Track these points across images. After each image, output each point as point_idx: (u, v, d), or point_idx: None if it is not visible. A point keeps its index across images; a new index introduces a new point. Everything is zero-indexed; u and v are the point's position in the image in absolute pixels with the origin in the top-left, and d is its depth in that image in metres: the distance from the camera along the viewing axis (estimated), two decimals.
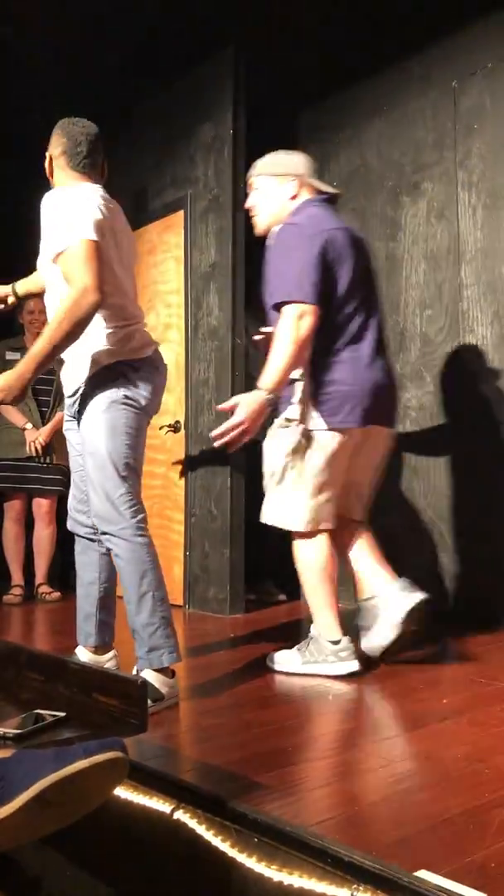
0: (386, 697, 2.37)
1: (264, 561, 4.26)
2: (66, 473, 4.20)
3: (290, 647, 2.67)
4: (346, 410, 2.59)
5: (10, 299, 2.71)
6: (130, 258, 2.48)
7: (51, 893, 1.89)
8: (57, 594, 4.25)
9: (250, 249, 3.92)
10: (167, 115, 4.33)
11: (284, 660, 2.65)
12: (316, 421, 2.60)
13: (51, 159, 2.49)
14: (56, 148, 2.47)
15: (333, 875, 1.30)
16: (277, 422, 2.65)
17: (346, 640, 2.59)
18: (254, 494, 4.03)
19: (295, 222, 2.61)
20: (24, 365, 2.17)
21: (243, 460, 3.86)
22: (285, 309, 2.50)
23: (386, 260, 3.93)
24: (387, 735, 1.96)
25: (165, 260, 4.22)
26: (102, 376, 2.34)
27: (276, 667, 2.64)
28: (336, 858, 1.29)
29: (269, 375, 2.47)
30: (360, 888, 1.25)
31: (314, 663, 2.57)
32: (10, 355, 4.19)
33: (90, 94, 4.67)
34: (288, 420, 2.62)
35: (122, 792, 1.66)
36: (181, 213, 4.13)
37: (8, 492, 4.26)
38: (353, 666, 2.54)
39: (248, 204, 2.84)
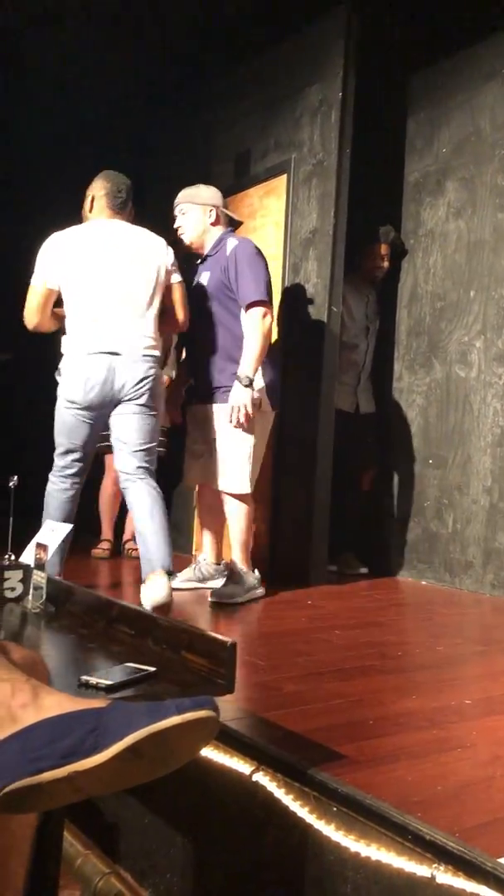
0: (472, 679, 2.34)
1: (345, 533, 4.24)
2: (165, 434, 4.27)
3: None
4: (275, 397, 3.46)
5: None
6: (110, 267, 2.99)
7: (127, 837, 1.96)
8: None
9: (351, 218, 3.85)
10: (274, 76, 4.26)
11: (227, 594, 3.15)
12: (266, 404, 3.37)
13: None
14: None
15: (412, 852, 1.29)
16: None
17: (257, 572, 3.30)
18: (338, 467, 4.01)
19: (250, 240, 3.40)
20: None
21: (332, 433, 3.82)
22: (255, 309, 3.21)
23: (493, 232, 3.79)
24: (471, 717, 1.93)
25: (265, 225, 4.19)
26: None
27: (221, 600, 3.10)
28: (417, 836, 1.28)
29: (247, 366, 3.18)
30: (441, 868, 1.24)
31: (249, 591, 3.21)
32: None
33: (196, 53, 4.65)
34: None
35: (203, 749, 1.69)
36: (284, 177, 4.08)
37: (110, 451, 4.33)
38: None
39: (176, 225, 3.50)
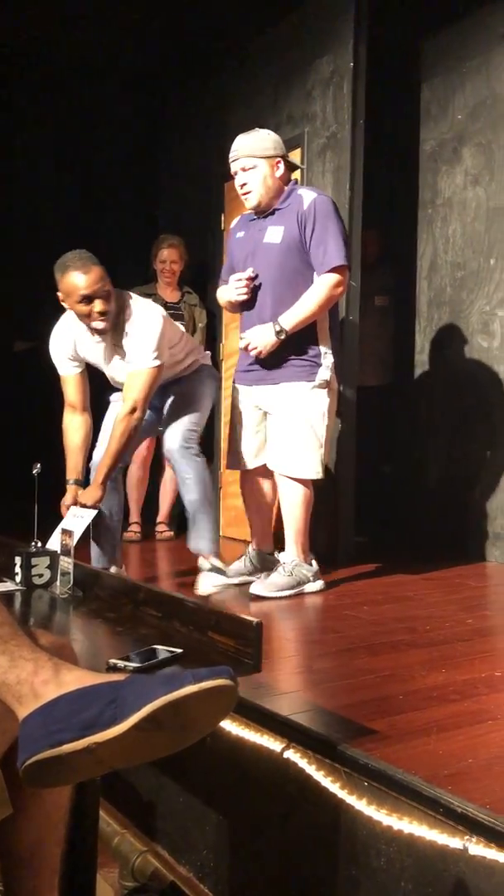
0: (502, 651, 2.33)
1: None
2: None
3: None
4: (341, 375, 3.18)
5: None
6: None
7: (164, 816, 1.99)
8: (170, 533, 4.37)
9: (368, 189, 3.79)
10: (284, 49, 4.20)
11: (272, 584, 2.95)
12: (334, 382, 3.07)
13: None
14: None
15: (444, 824, 1.30)
16: (312, 384, 2.99)
17: (315, 564, 3.10)
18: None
19: (327, 194, 3.11)
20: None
21: (354, 410, 3.80)
22: (332, 275, 2.92)
23: None
24: (502, 689, 1.92)
25: None
26: None
27: (265, 593, 2.91)
28: (448, 808, 1.28)
29: (290, 318, 2.91)
30: (473, 840, 1.24)
31: (301, 584, 3.00)
32: None
33: (206, 29, 4.60)
34: (326, 382, 3.01)
35: (234, 728, 1.70)
36: (297, 151, 4.03)
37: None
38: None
39: (239, 183, 3.06)
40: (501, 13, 3.76)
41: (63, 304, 2.81)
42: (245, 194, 3.03)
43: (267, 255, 3.02)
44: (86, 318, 2.77)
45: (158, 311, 2.91)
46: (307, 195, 3.01)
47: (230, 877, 1.78)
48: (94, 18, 4.56)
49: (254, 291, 3.04)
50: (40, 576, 1.96)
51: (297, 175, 3.99)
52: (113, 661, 1.33)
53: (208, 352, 3.26)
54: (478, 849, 1.23)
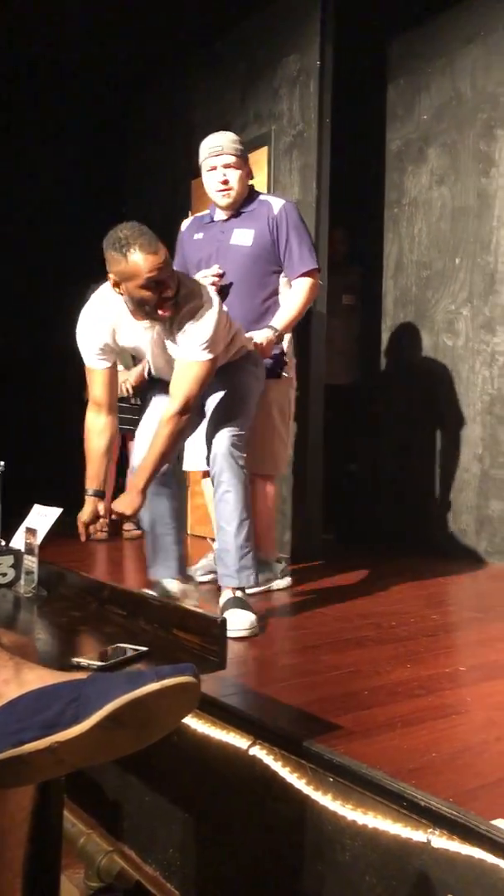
0: (466, 646, 2.35)
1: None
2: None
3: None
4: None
5: None
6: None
7: (130, 815, 1.98)
8: (138, 532, 4.34)
9: (335, 188, 3.81)
10: (251, 47, 4.20)
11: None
12: (294, 381, 3.18)
13: None
14: None
15: (408, 818, 1.31)
16: (277, 380, 3.04)
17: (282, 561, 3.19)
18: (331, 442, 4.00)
19: (293, 201, 3.15)
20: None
21: (322, 406, 3.81)
22: (308, 279, 2.99)
23: (477, 197, 3.77)
24: (466, 683, 1.94)
25: None
26: None
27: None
28: (412, 802, 1.30)
29: (281, 321, 2.96)
30: (436, 833, 1.26)
31: (267, 581, 3.02)
32: None
33: (174, 27, 4.58)
34: (289, 379, 3.11)
35: (200, 726, 1.70)
36: (264, 149, 4.04)
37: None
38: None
39: (222, 179, 2.99)
40: (466, 16, 3.80)
41: (116, 287, 2.37)
42: (225, 190, 2.99)
43: (235, 256, 3.02)
44: (148, 305, 2.36)
45: (215, 298, 2.52)
46: (275, 201, 3.05)
47: (196, 875, 1.78)
48: (61, 15, 4.51)
49: (222, 289, 3.03)
50: (4, 575, 1.94)
51: (264, 174, 4.01)
52: (77, 659, 1.32)
53: (250, 335, 2.92)
54: (441, 841, 1.25)
